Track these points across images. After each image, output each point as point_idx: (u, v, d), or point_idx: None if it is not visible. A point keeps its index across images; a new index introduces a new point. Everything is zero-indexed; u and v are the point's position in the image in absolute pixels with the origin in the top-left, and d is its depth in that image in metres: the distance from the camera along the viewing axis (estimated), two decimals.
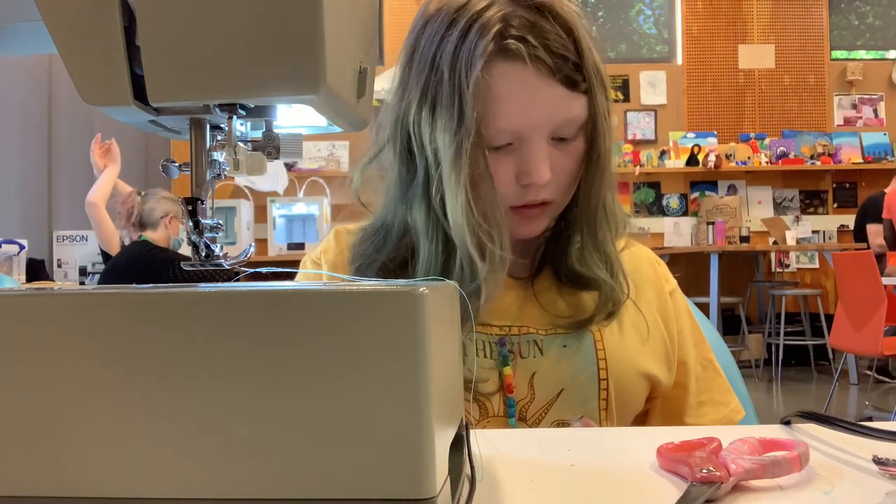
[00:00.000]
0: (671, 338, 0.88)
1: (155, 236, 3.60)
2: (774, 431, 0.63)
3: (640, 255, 0.93)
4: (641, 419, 0.90)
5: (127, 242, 3.83)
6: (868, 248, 5.26)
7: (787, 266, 6.50)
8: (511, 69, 0.74)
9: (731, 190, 6.62)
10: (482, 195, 0.76)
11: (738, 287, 6.20)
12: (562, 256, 0.85)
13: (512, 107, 0.75)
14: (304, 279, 0.85)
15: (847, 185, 6.67)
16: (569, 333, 0.82)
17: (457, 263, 0.78)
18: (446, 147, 0.75)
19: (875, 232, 5.54)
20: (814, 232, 6.51)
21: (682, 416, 0.89)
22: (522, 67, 0.74)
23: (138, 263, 3.48)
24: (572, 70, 0.75)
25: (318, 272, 0.89)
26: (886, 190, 5.62)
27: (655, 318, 0.88)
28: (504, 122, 0.75)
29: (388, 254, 0.85)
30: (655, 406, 0.89)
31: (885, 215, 5.40)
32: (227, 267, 0.48)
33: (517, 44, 0.73)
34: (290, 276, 0.85)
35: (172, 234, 3.62)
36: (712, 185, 6.60)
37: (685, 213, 6.59)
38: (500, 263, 0.76)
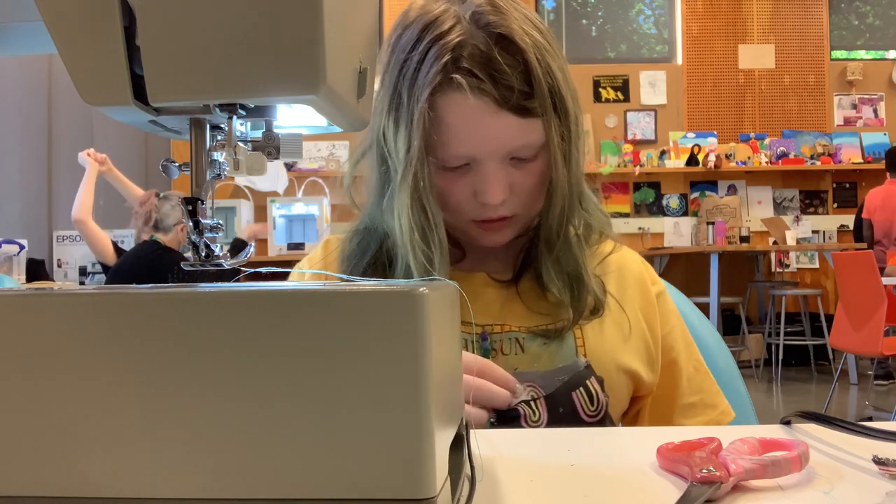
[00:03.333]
0: (654, 338, 0.89)
1: (167, 240, 3.61)
2: (774, 431, 0.63)
3: (628, 256, 0.94)
4: (632, 420, 0.90)
5: (127, 243, 3.83)
6: (868, 247, 5.26)
7: (787, 266, 6.50)
8: (458, 100, 0.76)
9: (731, 190, 6.62)
10: (427, 218, 0.78)
11: (738, 287, 6.20)
12: (538, 264, 0.86)
13: (461, 136, 0.77)
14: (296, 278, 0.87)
15: (847, 185, 6.67)
16: (543, 329, 0.84)
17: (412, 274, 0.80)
18: (399, 165, 0.78)
19: None
20: (814, 232, 6.51)
21: (671, 416, 0.89)
22: (467, 99, 0.75)
23: (143, 263, 3.49)
24: (523, 98, 0.75)
25: (306, 271, 0.90)
26: None
27: (638, 317, 0.88)
28: (455, 150, 0.78)
29: (371, 256, 0.86)
30: (645, 406, 0.90)
31: (864, 214, 5.41)
32: (227, 267, 0.48)
33: (461, 77, 0.74)
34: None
35: (184, 241, 3.63)
36: (712, 185, 6.61)
37: (685, 213, 6.59)
38: None
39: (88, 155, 3.89)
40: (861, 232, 5.73)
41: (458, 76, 0.75)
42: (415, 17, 0.80)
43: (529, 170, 0.80)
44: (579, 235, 0.86)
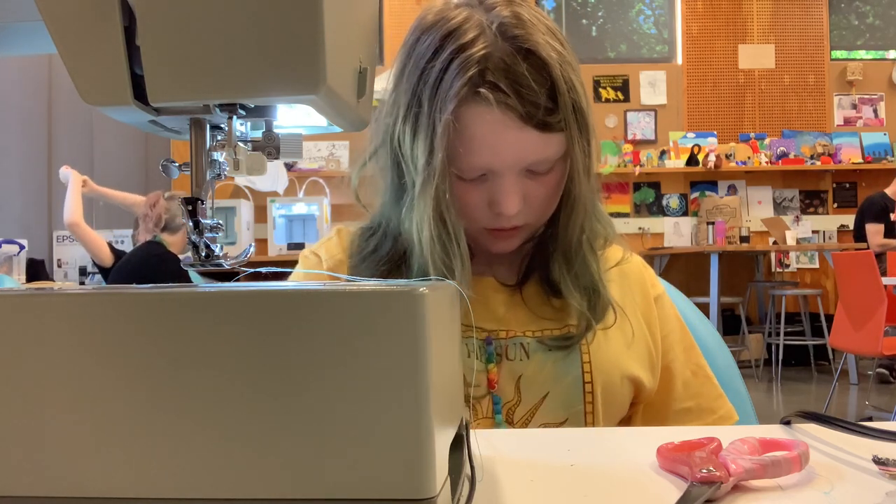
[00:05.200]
0: (655, 342, 0.89)
1: (173, 240, 3.59)
2: (774, 431, 0.63)
3: (630, 261, 0.94)
4: (624, 424, 0.89)
5: (126, 243, 3.82)
6: (867, 248, 5.25)
7: (787, 266, 6.50)
8: (483, 112, 0.75)
9: (731, 190, 6.62)
10: (447, 227, 0.78)
11: (738, 287, 6.20)
12: (545, 269, 0.86)
13: (482, 148, 0.76)
14: (301, 275, 0.86)
15: (847, 185, 6.67)
16: (555, 339, 0.83)
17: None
18: (419, 173, 0.77)
19: (874, 231, 5.54)
20: (814, 232, 6.51)
21: (664, 420, 0.89)
22: (492, 112, 0.74)
23: (148, 265, 3.47)
24: (546, 114, 0.75)
25: (315, 272, 0.90)
26: (887, 190, 5.61)
27: (640, 322, 0.88)
28: (475, 161, 0.77)
29: (384, 255, 0.86)
30: (638, 412, 0.89)
31: (894, 217, 5.39)
32: (227, 267, 0.48)
33: (488, 92, 0.74)
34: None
35: None
36: (712, 185, 6.60)
37: (685, 213, 6.59)
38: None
39: (67, 168, 3.91)
40: (861, 233, 5.73)
41: (484, 90, 0.74)
42: (434, 21, 0.78)
43: (544, 181, 0.80)
44: (590, 241, 0.86)
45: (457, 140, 0.76)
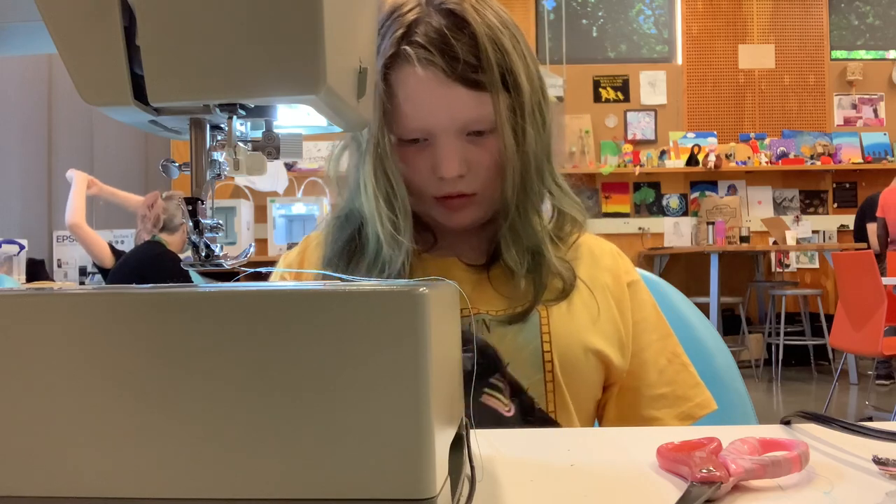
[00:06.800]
0: (626, 325, 0.89)
1: (171, 240, 3.60)
2: (774, 431, 0.63)
3: (604, 247, 0.96)
4: (600, 409, 0.91)
5: (127, 243, 3.82)
6: (868, 247, 5.25)
7: (787, 266, 6.50)
8: (408, 72, 0.80)
9: (731, 190, 6.62)
10: (391, 186, 0.82)
11: (738, 287, 6.20)
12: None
13: (415, 108, 0.81)
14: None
15: (847, 185, 6.67)
16: (516, 314, 0.85)
17: (383, 250, 0.84)
18: (363, 140, 0.83)
19: (874, 231, 5.54)
20: (814, 232, 6.51)
21: (637, 407, 0.89)
22: (416, 71, 0.79)
23: (145, 264, 3.48)
24: (471, 71, 0.79)
25: (284, 270, 0.92)
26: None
27: (609, 303, 0.89)
28: (409, 122, 0.81)
29: (348, 239, 0.89)
30: (611, 395, 0.90)
31: (878, 213, 5.40)
32: (227, 267, 0.48)
33: (411, 50, 0.79)
34: None
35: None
36: (712, 185, 6.60)
37: (685, 213, 6.59)
38: (403, 249, 0.82)
39: (73, 170, 3.92)
40: (861, 233, 5.73)
41: (408, 49, 0.79)
42: (387, 8, 0.84)
43: (486, 146, 0.83)
44: (541, 216, 0.87)
45: (391, 103, 0.81)
